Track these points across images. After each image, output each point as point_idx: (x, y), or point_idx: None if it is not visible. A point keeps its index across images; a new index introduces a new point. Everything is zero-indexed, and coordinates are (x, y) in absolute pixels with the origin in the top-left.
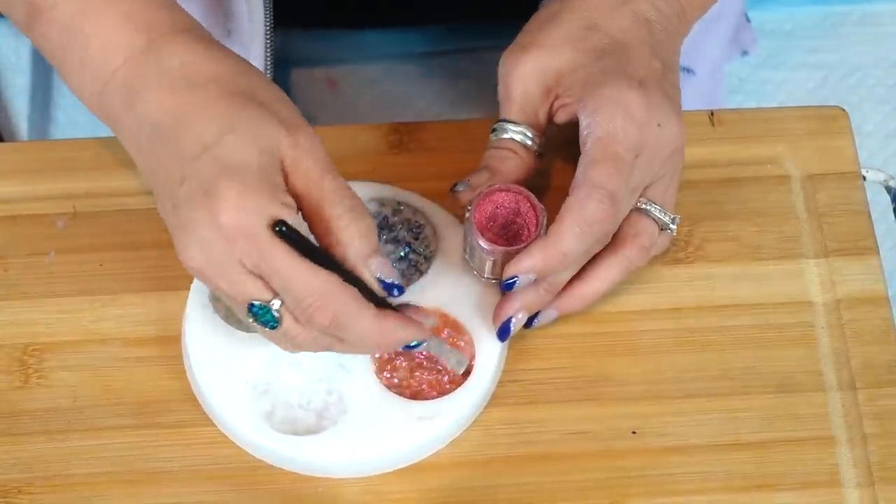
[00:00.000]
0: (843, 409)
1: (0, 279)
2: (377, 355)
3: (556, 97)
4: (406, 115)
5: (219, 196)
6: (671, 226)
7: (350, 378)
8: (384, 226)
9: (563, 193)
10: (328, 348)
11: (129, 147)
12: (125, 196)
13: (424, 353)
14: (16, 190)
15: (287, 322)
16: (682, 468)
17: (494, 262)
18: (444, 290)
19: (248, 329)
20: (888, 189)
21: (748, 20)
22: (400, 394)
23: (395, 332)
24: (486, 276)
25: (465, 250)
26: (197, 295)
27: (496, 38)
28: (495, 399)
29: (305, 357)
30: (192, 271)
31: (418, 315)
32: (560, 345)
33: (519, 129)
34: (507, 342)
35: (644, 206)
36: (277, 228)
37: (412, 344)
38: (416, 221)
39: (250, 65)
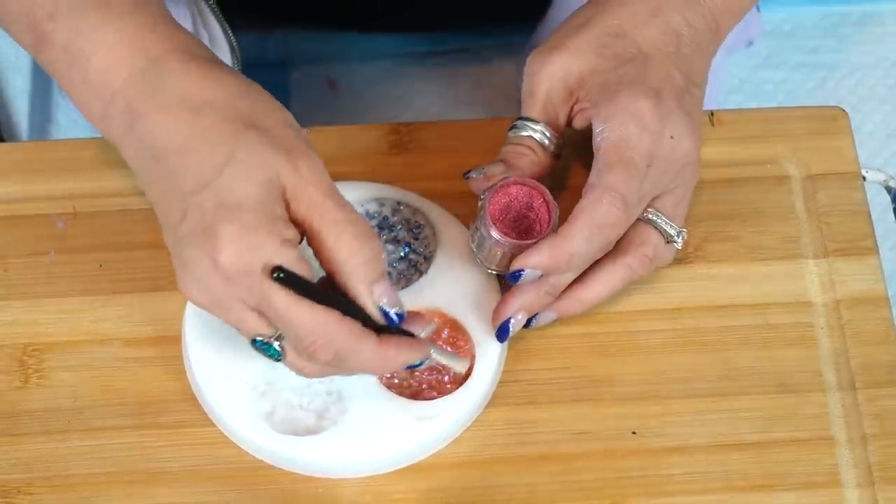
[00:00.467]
0: (842, 409)
1: (0, 279)
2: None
3: (577, 101)
4: (406, 115)
5: (218, 236)
6: (677, 239)
7: (350, 378)
8: (384, 226)
9: (578, 195)
10: (332, 375)
11: (134, 168)
12: (125, 196)
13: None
14: (16, 190)
15: (290, 355)
16: (682, 468)
17: (503, 254)
18: (444, 290)
19: None
20: (888, 189)
21: (758, 9)
22: (400, 394)
23: (396, 358)
24: (492, 267)
25: (472, 240)
26: None
27: (496, 39)
28: (495, 399)
29: None
30: (193, 304)
31: (419, 323)
32: (560, 345)
33: (538, 127)
34: (507, 342)
35: (651, 216)
36: (275, 275)
37: (415, 364)
38: (416, 221)
39: (252, 85)
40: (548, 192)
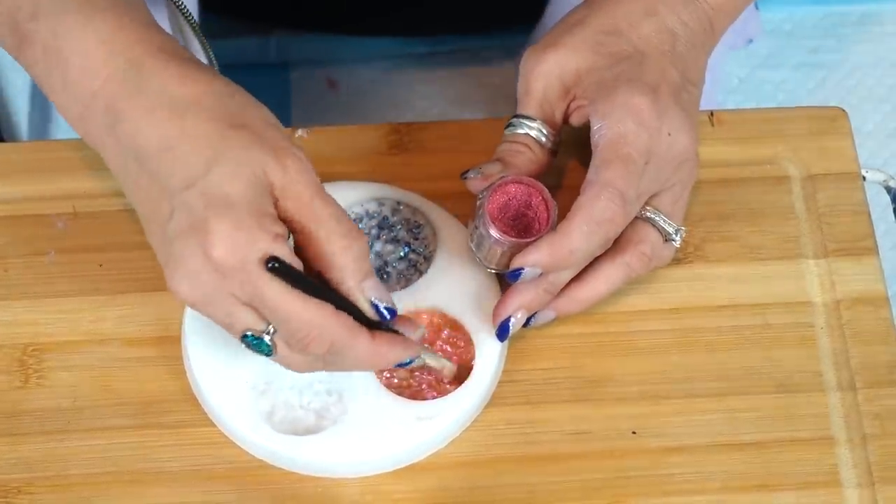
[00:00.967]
0: (842, 409)
1: (0, 279)
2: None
3: (574, 98)
4: (406, 116)
5: (209, 231)
6: (675, 237)
7: (350, 378)
8: (383, 225)
9: (576, 193)
10: (323, 370)
11: (114, 170)
12: (125, 196)
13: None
14: (16, 190)
15: (281, 350)
16: (681, 468)
17: (502, 253)
18: (444, 290)
19: None
20: (888, 189)
21: (756, 7)
22: (399, 394)
23: (388, 354)
24: (491, 266)
25: (471, 239)
26: None
27: (496, 40)
28: (495, 399)
29: None
30: (183, 302)
31: (409, 327)
32: (560, 345)
33: (535, 125)
34: (506, 342)
35: (650, 214)
36: (270, 265)
37: (405, 362)
38: (416, 221)
39: (233, 85)
40: (546, 190)
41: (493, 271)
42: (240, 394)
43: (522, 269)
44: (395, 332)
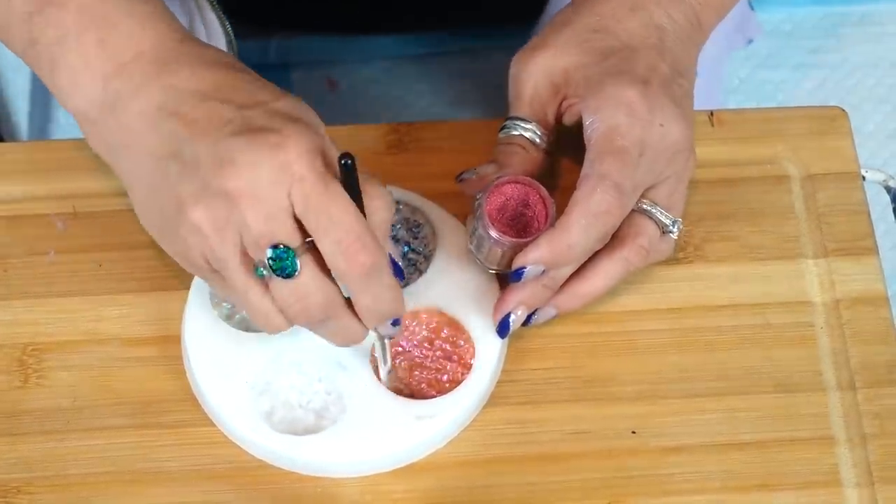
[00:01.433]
0: (842, 409)
1: (0, 279)
2: (376, 354)
3: (565, 97)
4: (406, 116)
5: (284, 133)
6: (672, 228)
7: (349, 377)
8: None
9: (571, 193)
10: (320, 323)
11: (140, 125)
12: (125, 196)
13: (418, 353)
14: (16, 190)
15: (306, 272)
16: (681, 468)
17: (502, 254)
18: (443, 290)
19: (248, 329)
20: (888, 189)
21: (752, 8)
22: (399, 393)
23: (399, 300)
24: (492, 267)
25: (470, 241)
26: (197, 294)
27: (495, 40)
28: (495, 399)
29: (305, 357)
30: (204, 206)
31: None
32: (560, 345)
33: (528, 126)
34: (506, 340)
35: (646, 207)
36: (343, 161)
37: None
38: (415, 220)
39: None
40: (543, 188)
41: (494, 272)
42: (239, 393)
43: (524, 268)
44: None
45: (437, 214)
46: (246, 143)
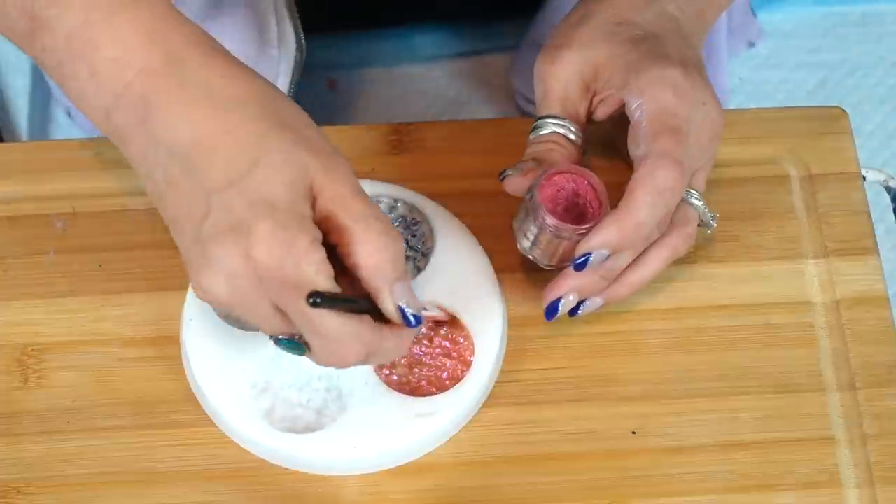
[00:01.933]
0: (842, 409)
1: (0, 279)
2: None
3: (595, 93)
4: (406, 116)
5: (252, 233)
6: (711, 223)
7: (349, 375)
8: None
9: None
10: (347, 365)
11: (138, 166)
12: (125, 196)
13: (418, 350)
14: (16, 190)
15: (315, 342)
16: (682, 468)
17: (560, 244)
18: (442, 287)
19: (247, 328)
20: (888, 189)
21: (754, 14)
22: (399, 391)
23: (408, 336)
24: (551, 263)
25: (522, 240)
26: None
27: (495, 40)
28: (496, 399)
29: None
30: (211, 303)
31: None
32: (560, 345)
33: (561, 122)
34: (505, 339)
35: (690, 198)
36: (311, 301)
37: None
38: (413, 218)
39: (275, 87)
40: (593, 175)
41: (552, 268)
42: (239, 392)
43: (589, 255)
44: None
45: (435, 212)
46: (219, 247)
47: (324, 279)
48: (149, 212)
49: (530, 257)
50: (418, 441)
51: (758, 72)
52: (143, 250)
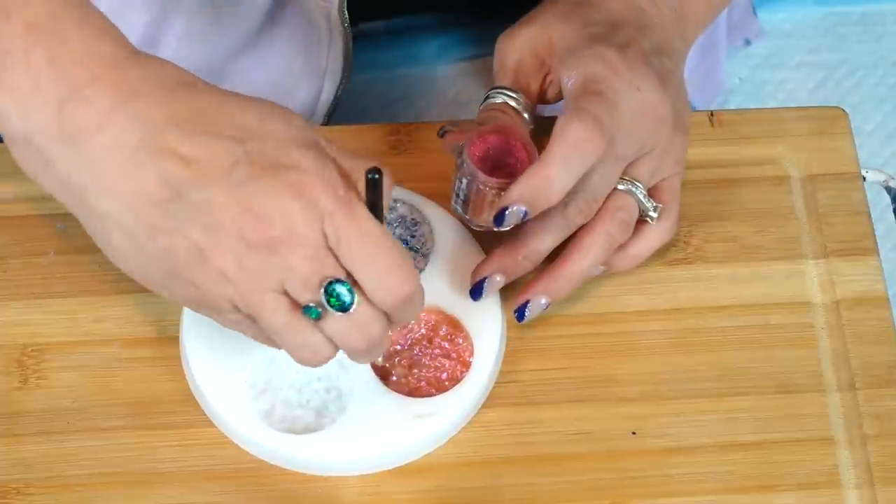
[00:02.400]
0: (842, 409)
1: (0, 279)
2: None
3: (549, 72)
4: (406, 116)
5: (300, 168)
6: (651, 213)
7: (348, 376)
8: None
9: None
10: (377, 340)
11: (109, 163)
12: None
13: (417, 351)
14: (16, 190)
15: (363, 303)
16: (681, 469)
17: (489, 203)
18: (442, 287)
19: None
20: (888, 189)
21: (755, 13)
22: (398, 391)
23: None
24: (480, 223)
25: (455, 199)
26: None
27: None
28: (495, 399)
29: None
30: (232, 256)
31: None
32: (560, 345)
33: (513, 94)
34: (504, 339)
35: (629, 187)
36: (371, 176)
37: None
38: (413, 219)
39: None
40: (525, 135)
41: (481, 229)
42: (238, 392)
43: (507, 210)
44: None
45: (435, 212)
46: (268, 187)
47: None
48: None
49: (461, 216)
50: (417, 442)
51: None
52: None
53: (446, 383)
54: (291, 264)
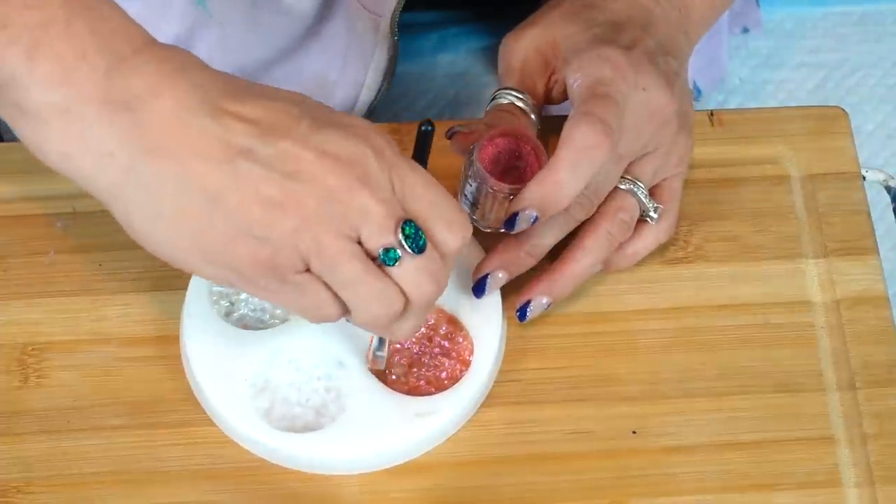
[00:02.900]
0: (842, 409)
1: (0, 279)
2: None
3: (553, 72)
4: (406, 115)
5: (360, 125)
6: (652, 214)
7: (348, 375)
8: None
9: None
10: (443, 287)
11: (171, 125)
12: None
13: (417, 350)
14: (16, 190)
15: (430, 248)
16: (682, 468)
17: (499, 206)
18: None
19: (246, 326)
20: (888, 189)
21: (757, 3)
22: (397, 390)
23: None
24: (488, 225)
25: (463, 200)
26: (195, 292)
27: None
28: (495, 399)
29: (304, 354)
30: (315, 202)
31: None
32: (560, 345)
33: (519, 95)
34: (504, 339)
35: (631, 186)
36: (424, 128)
37: None
38: None
39: None
40: (535, 139)
41: (491, 230)
42: (238, 391)
43: (517, 215)
44: None
45: None
46: (341, 135)
47: None
48: None
49: (472, 219)
50: (417, 441)
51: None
52: (143, 250)
53: (446, 382)
54: (369, 207)
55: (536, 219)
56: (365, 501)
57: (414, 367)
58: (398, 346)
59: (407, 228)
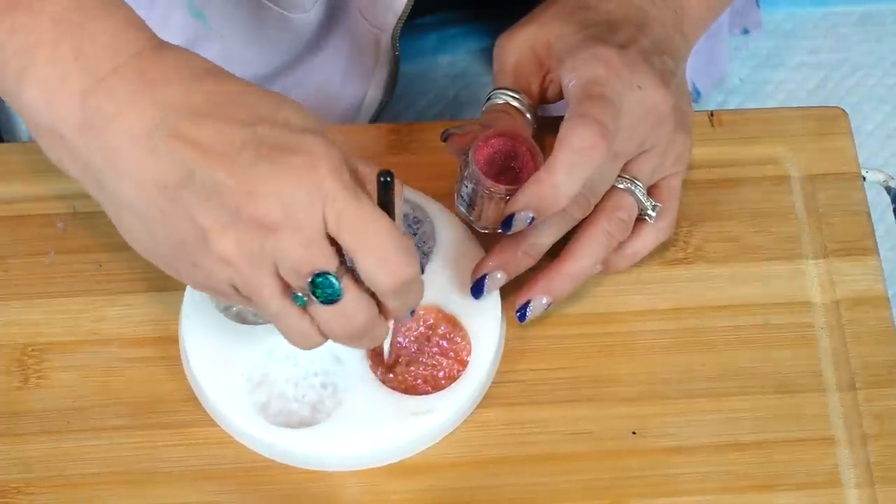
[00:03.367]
0: (842, 409)
1: (0, 279)
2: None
3: (548, 71)
4: (406, 115)
5: (306, 151)
6: (650, 212)
7: (345, 372)
8: None
9: None
10: (359, 338)
11: (127, 148)
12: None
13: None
14: (16, 190)
15: (349, 295)
16: (682, 468)
17: (494, 207)
18: (442, 287)
19: (244, 321)
20: (888, 189)
21: (757, 3)
22: (395, 389)
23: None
24: (484, 226)
25: (459, 201)
26: (193, 290)
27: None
28: (495, 399)
29: (301, 350)
30: (234, 238)
31: None
32: (560, 345)
33: (515, 95)
34: (503, 339)
35: (629, 185)
36: (382, 179)
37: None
38: (415, 217)
39: None
40: (531, 140)
41: (486, 231)
42: (235, 385)
43: (514, 216)
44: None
45: (437, 211)
46: (271, 168)
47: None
48: None
49: (464, 216)
50: (413, 439)
51: (758, 72)
52: None
53: (443, 382)
54: (285, 249)
55: (533, 220)
56: (364, 501)
57: (411, 365)
58: (397, 343)
59: (317, 279)
